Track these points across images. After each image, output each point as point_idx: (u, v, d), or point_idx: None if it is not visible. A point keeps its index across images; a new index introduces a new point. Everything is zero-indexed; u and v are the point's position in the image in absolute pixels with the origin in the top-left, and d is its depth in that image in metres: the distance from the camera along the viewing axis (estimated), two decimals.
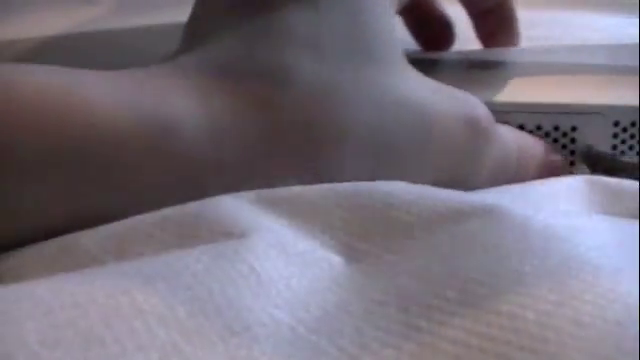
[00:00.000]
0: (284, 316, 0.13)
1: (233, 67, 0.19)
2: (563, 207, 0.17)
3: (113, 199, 0.17)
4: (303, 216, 0.16)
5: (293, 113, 0.19)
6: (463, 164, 0.21)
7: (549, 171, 0.24)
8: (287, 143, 0.19)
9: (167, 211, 0.16)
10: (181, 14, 0.27)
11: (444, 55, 0.29)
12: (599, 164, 0.25)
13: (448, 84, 0.25)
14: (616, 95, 0.26)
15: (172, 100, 0.18)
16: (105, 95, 0.17)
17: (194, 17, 0.22)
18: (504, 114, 0.25)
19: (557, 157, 0.25)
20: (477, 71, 0.28)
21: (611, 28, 0.31)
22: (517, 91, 0.26)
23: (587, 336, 0.12)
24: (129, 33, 0.31)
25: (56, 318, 0.13)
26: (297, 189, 0.16)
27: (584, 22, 0.32)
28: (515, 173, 0.23)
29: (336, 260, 0.15)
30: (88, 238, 0.16)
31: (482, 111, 0.22)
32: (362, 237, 0.15)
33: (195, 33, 0.21)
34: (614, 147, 0.26)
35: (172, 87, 0.18)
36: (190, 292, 0.13)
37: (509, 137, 0.23)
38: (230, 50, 0.20)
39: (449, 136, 0.21)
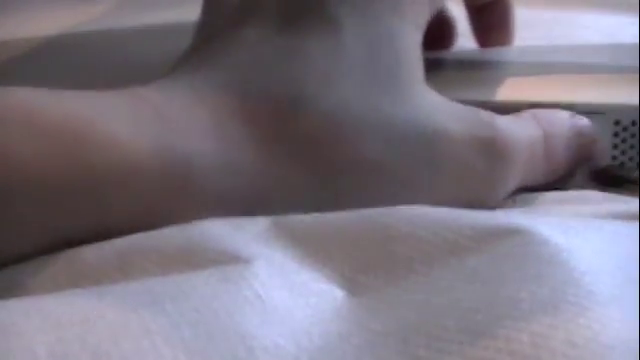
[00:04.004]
0: (287, 344, 0.13)
1: (250, 95, 0.19)
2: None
3: (126, 228, 0.17)
4: (306, 248, 0.16)
5: (308, 146, 0.19)
6: (482, 190, 0.21)
7: (578, 139, 0.24)
8: (302, 176, 0.19)
9: (172, 228, 0.16)
10: (181, 14, 0.27)
11: (444, 55, 0.29)
12: (603, 177, 0.25)
13: (447, 84, 0.25)
14: (617, 94, 0.26)
15: (190, 132, 0.18)
16: (126, 127, 0.17)
17: (207, 24, 0.22)
18: (504, 114, 0.25)
19: (583, 121, 0.24)
20: (478, 71, 0.28)
21: (611, 28, 0.31)
22: (518, 90, 0.26)
23: (581, 356, 0.12)
24: (129, 32, 0.31)
25: (65, 332, 0.13)
26: (298, 219, 0.17)
27: (584, 22, 0.32)
28: (544, 161, 0.23)
29: (338, 293, 0.15)
30: (91, 251, 0.16)
31: (499, 133, 0.21)
32: (363, 270, 0.15)
33: (209, 42, 0.21)
34: (615, 146, 0.26)
35: (190, 117, 0.19)
36: (197, 314, 0.13)
37: (531, 135, 0.22)
38: (248, 74, 0.20)
39: (463, 165, 0.20)
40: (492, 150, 0.21)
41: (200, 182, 0.18)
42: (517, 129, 0.22)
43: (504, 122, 0.22)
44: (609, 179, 0.25)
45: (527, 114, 0.23)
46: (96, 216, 0.17)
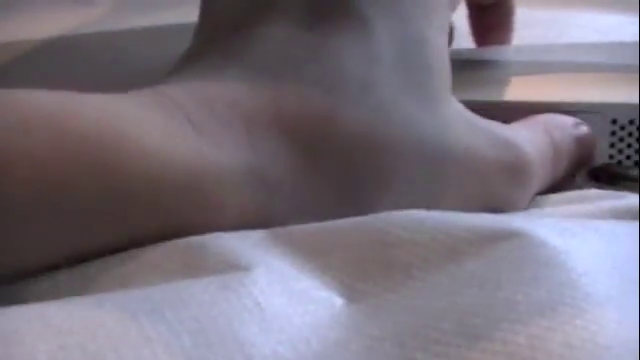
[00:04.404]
0: (286, 352, 0.13)
1: (283, 103, 0.18)
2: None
3: (149, 241, 0.17)
4: (305, 256, 0.16)
5: (341, 159, 0.18)
6: (501, 208, 0.21)
7: (580, 146, 0.24)
8: (335, 191, 0.18)
9: (173, 242, 0.16)
10: (180, 15, 0.27)
11: None
12: (602, 175, 0.25)
13: None
14: (614, 93, 0.26)
15: (223, 142, 0.17)
16: (156, 135, 0.17)
17: (209, 23, 0.21)
18: (502, 113, 0.25)
19: (584, 130, 0.24)
20: (475, 70, 0.28)
21: (609, 27, 0.31)
22: (516, 90, 0.26)
23: (578, 358, 0.12)
24: (127, 34, 0.31)
25: (66, 340, 0.13)
26: (297, 227, 0.17)
27: (583, 21, 0.32)
28: (552, 170, 0.23)
29: (337, 300, 0.15)
30: (93, 266, 0.16)
31: (522, 156, 0.21)
32: (362, 277, 0.15)
33: (226, 39, 0.20)
34: (612, 145, 0.26)
35: (223, 125, 0.18)
36: (196, 323, 0.13)
37: (543, 148, 0.22)
38: (281, 75, 0.19)
39: (487, 185, 0.20)
40: (515, 173, 0.21)
41: (231, 196, 0.17)
42: (533, 147, 0.22)
43: (522, 139, 0.22)
44: (608, 177, 0.25)
45: (538, 123, 0.23)
46: (118, 227, 0.16)
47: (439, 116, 0.20)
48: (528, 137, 0.22)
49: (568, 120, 0.24)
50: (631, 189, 0.24)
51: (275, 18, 0.20)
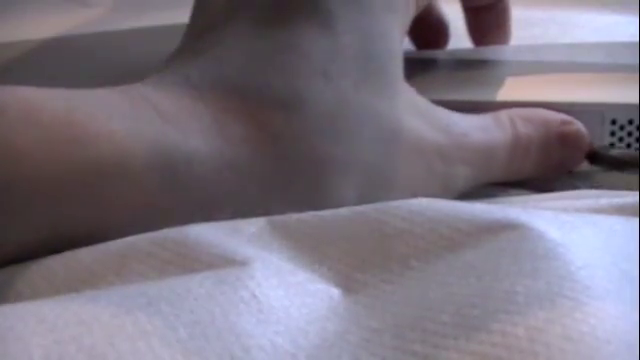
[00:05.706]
0: (284, 343, 0.13)
1: (248, 93, 0.19)
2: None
3: (124, 225, 0.17)
4: (302, 247, 0.16)
5: (306, 144, 0.19)
6: (433, 190, 0.21)
7: (565, 143, 0.24)
8: (301, 175, 0.19)
9: (168, 231, 0.16)
10: (176, 16, 0.27)
11: (439, 54, 0.29)
12: (600, 160, 0.25)
13: (443, 84, 0.25)
14: (613, 93, 0.26)
15: (189, 131, 0.18)
16: (126, 125, 0.18)
17: (197, 22, 0.22)
18: None
19: (573, 129, 0.24)
20: (474, 70, 0.28)
21: (608, 27, 0.31)
22: (515, 89, 0.26)
23: (577, 350, 0.12)
24: (126, 34, 0.31)
25: (61, 335, 0.13)
26: (294, 217, 0.17)
27: (582, 21, 0.32)
28: (506, 163, 0.23)
29: (335, 291, 0.15)
30: (88, 254, 0.16)
31: (462, 138, 0.22)
32: (359, 268, 0.15)
33: (201, 38, 0.21)
34: (612, 145, 0.26)
35: (189, 115, 0.19)
36: (192, 315, 0.13)
37: (495, 138, 0.23)
38: (245, 68, 0.20)
39: (427, 162, 0.21)
40: (449, 156, 0.21)
41: (199, 182, 0.18)
42: (482, 132, 0.22)
43: (469, 125, 0.22)
44: (607, 161, 0.25)
45: (504, 115, 0.24)
46: (94, 212, 0.17)
47: (393, 103, 0.21)
48: (479, 124, 0.23)
49: (554, 117, 0.24)
50: (631, 172, 0.24)
51: (244, 16, 0.21)
